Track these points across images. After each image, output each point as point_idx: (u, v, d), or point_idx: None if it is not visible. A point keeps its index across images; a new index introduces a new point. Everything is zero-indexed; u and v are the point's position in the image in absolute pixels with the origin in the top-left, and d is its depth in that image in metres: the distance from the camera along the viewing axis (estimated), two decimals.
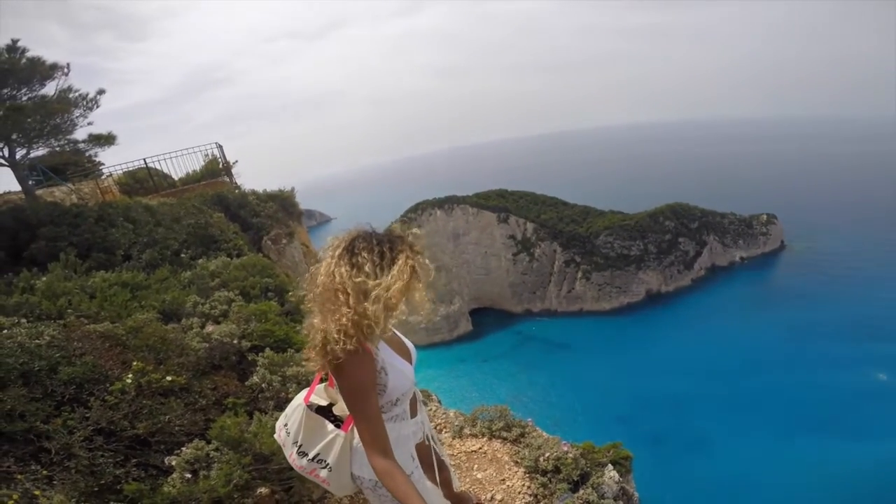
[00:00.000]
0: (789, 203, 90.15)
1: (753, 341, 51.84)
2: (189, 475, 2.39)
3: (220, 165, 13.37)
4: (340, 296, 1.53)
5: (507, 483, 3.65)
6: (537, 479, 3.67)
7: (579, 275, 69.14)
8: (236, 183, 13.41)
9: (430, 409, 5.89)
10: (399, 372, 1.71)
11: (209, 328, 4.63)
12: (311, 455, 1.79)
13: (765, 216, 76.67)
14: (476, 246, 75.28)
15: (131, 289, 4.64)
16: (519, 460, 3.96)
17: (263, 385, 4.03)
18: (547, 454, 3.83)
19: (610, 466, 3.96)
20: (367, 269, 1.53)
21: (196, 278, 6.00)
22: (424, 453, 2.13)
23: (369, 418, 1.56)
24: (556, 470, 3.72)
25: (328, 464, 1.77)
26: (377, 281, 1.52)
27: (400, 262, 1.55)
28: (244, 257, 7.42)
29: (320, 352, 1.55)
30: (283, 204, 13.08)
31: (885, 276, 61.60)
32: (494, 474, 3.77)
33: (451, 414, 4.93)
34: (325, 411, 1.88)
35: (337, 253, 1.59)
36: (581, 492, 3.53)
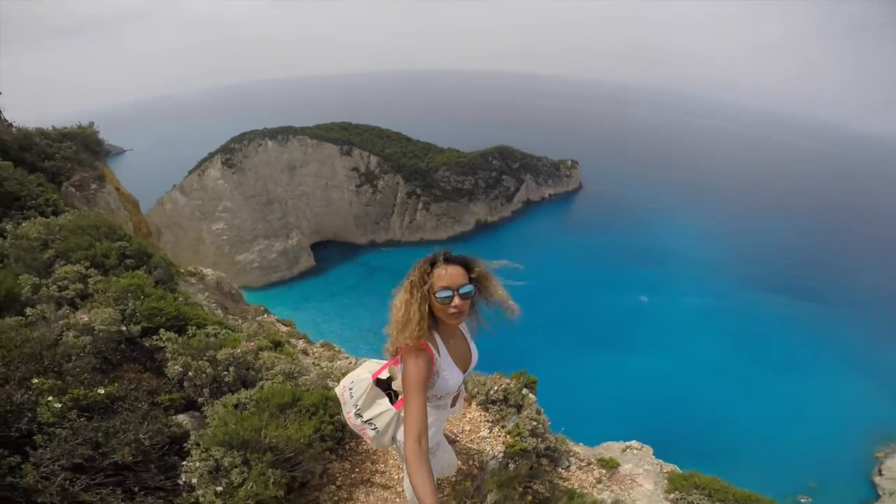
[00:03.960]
0: (589, 152, 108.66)
1: (556, 263, 63.79)
2: (220, 488, 2.03)
3: None
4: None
5: (469, 416, 4.11)
6: (491, 408, 4.21)
7: (420, 206, 72.29)
8: (5, 119, 9.70)
9: (350, 362, 5.87)
10: (446, 380, 2.07)
11: (80, 316, 3.51)
12: (365, 417, 2.26)
13: (570, 161, 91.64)
14: (316, 178, 70.67)
15: None
16: (470, 397, 4.41)
17: (190, 374, 3.44)
18: (496, 387, 4.38)
19: (526, 390, 4.71)
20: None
21: (16, 250, 4.35)
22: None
23: (415, 408, 1.83)
24: (505, 399, 4.30)
25: (377, 427, 2.23)
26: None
27: (405, 282, 1.98)
28: (68, 215, 5.53)
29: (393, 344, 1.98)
30: (84, 143, 10.12)
31: (655, 215, 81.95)
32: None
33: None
34: (386, 383, 2.30)
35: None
36: (525, 412, 4.19)
